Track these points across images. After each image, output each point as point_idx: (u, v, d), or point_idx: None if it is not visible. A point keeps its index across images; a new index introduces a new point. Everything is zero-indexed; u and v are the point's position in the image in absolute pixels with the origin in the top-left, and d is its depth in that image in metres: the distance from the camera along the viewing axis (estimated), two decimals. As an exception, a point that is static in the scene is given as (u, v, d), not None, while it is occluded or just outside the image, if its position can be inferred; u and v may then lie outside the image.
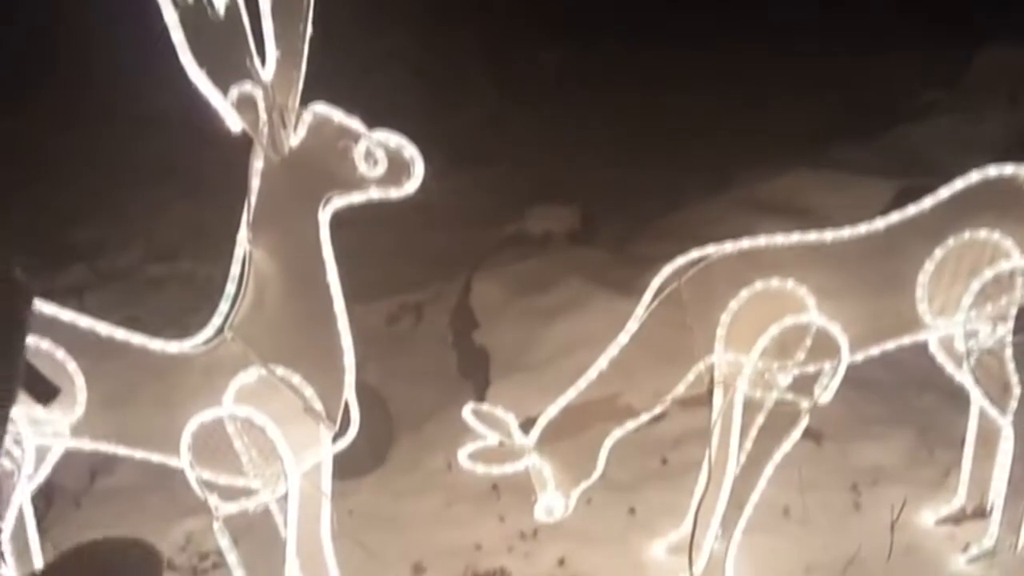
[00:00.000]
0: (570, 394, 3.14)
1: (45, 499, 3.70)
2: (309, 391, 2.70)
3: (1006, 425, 3.20)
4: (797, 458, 3.68)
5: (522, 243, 5.24)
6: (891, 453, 3.87)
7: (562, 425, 3.16)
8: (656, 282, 3.08)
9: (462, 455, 3.12)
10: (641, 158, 5.87)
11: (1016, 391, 3.21)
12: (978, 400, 3.24)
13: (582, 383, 3.14)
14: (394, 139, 2.50)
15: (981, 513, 3.42)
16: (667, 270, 3.07)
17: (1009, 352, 3.20)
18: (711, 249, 3.05)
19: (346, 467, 4.11)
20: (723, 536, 3.24)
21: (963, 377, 3.18)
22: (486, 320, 4.63)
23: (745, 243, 3.04)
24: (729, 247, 3.04)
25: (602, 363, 3.13)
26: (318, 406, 2.70)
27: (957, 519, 3.48)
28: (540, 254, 5.03)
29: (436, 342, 4.85)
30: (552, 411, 3.14)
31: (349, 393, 2.74)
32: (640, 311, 3.09)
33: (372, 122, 2.53)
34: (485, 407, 3.21)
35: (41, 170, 6.66)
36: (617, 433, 3.17)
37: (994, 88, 5.97)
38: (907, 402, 4.11)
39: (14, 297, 2.16)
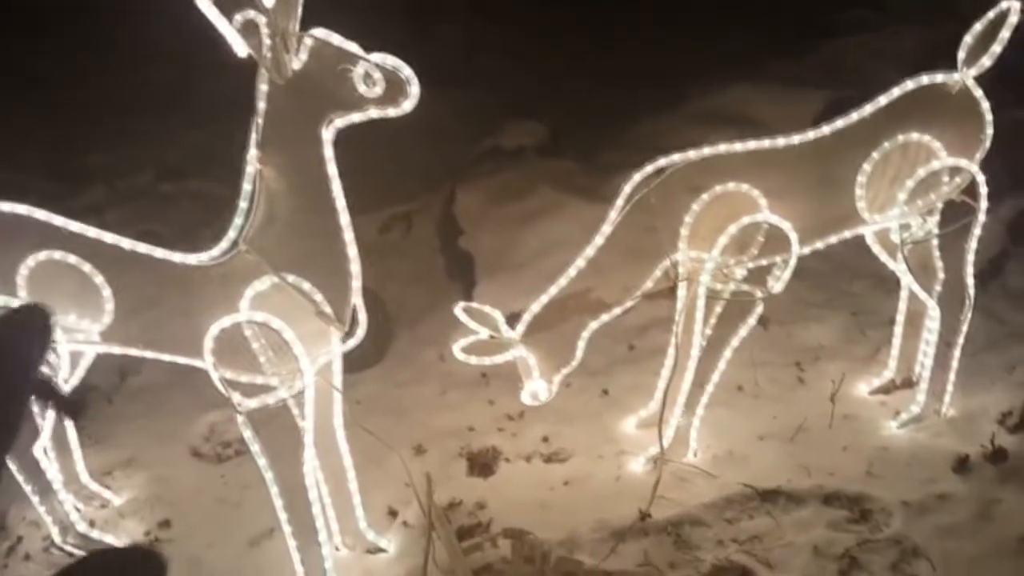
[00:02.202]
0: (551, 291, 3.08)
1: (80, 398, 3.60)
2: (319, 296, 2.60)
3: (933, 306, 3.19)
4: (748, 340, 3.68)
5: (498, 156, 5.10)
6: (829, 333, 3.88)
7: (544, 319, 3.10)
8: (627, 188, 2.99)
9: (456, 348, 3.07)
10: (603, 77, 5.72)
11: (940, 276, 3.20)
12: (909, 285, 3.21)
13: (562, 281, 3.08)
14: (391, 60, 2.37)
15: (908, 384, 3.45)
16: (636, 177, 2.98)
17: (936, 242, 3.17)
18: (676, 157, 2.96)
19: (352, 362, 4.05)
20: (687, 411, 3.23)
21: (896, 266, 3.16)
22: (469, 227, 4.53)
23: (706, 150, 2.95)
24: (692, 154, 2.95)
25: (580, 262, 3.06)
26: (328, 310, 2.60)
27: (887, 390, 3.50)
28: (515, 166, 4.92)
29: (425, 248, 4.75)
30: (535, 307, 3.08)
31: (356, 298, 2.64)
32: (614, 215, 3.01)
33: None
34: (474, 305, 3.14)
35: (59, 102, 6.40)
36: (593, 325, 3.13)
37: (911, 4, 5.82)
38: (841, 288, 4.10)
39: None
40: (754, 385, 3.59)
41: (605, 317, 3.13)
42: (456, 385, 3.78)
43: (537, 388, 3.15)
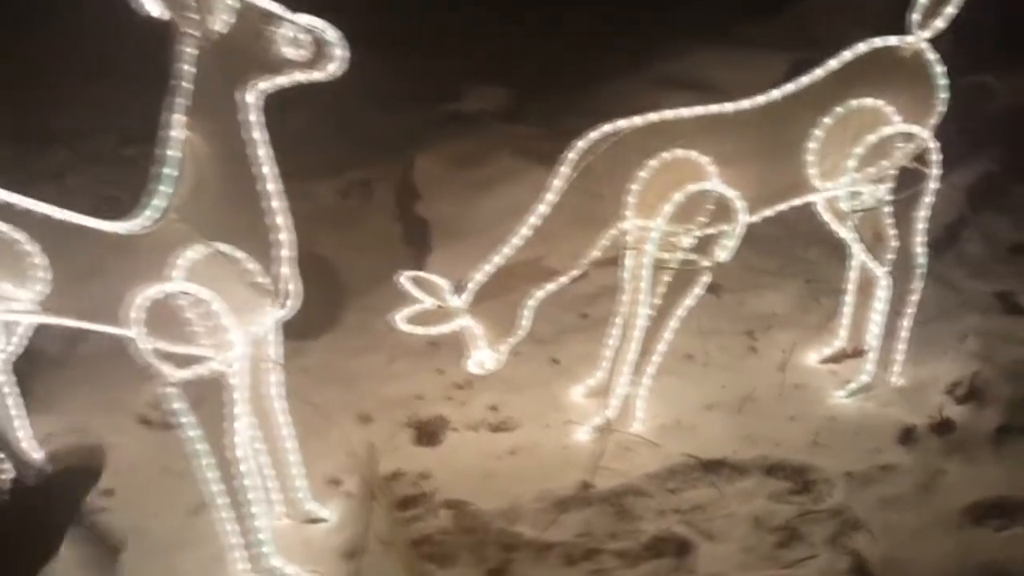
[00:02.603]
0: (495, 260, 2.96)
1: (30, 363, 3.47)
2: (254, 265, 2.47)
3: (883, 276, 3.08)
4: (699, 308, 3.58)
5: (459, 122, 4.97)
6: (782, 302, 3.77)
7: (491, 288, 2.99)
8: (572, 156, 2.87)
9: (399, 318, 2.95)
10: (567, 41, 5.56)
11: (892, 244, 3.09)
12: (859, 254, 3.10)
13: (506, 250, 2.96)
14: (316, 23, 2.22)
15: (859, 353, 3.34)
16: (581, 144, 2.86)
17: (888, 210, 3.06)
18: (622, 123, 2.83)
19: (301, 329, 3.92)
20: (634, 381, 3.13)
21: (846, 234, 3.04)
22: (428, 193, 4.40)
23: (653, 116, 2.82)
24: (638, 120, 2.82)
25: (524, 231, 2.94)
26: (262, 280, 2.48)
27: (838, 359, 3.40)
28: (475, 132, 4.78)
29: (384, 215, 4.61)
30: (480, 276, 2.96)
31: (288, 268, 2.51)
32: (558, 183, 2.88)
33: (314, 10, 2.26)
34: (421, 274, 3.02)
35: (20, 65, 6.19)
36: (539, 294, 3.01)
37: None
38: (795, 255, 3.99)
39: None
40: (704, 354, 3.48)
41: (551, 286, 3.02)
42: (406, 354, 3.65)
43: (483, 357, 3.05)
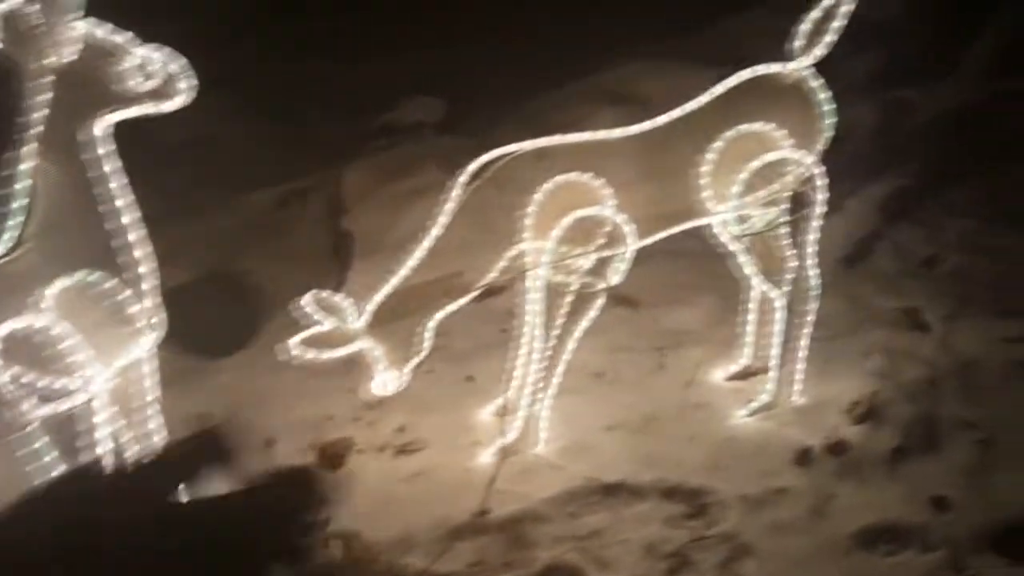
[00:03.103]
0: (392, 281, 2.84)
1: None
2: (122, 295, 2.36)
3: (779, 297, 2.98)
4: (614, 324, 3.47)
5: (393, 133, 4.84)
6: (695, 317, 3.64)
7: (392, 308, 2.87)
8: (462, 179, 2.76)
9: (292, 343, 2.83)
10: (504, 53, 5.40)
11: (789, 266, 2.98)
12: (751, 277, 2.99)
13: (403, 271, 2.85)
14: (161, 54, 2.11)
15: (764, 370, 3.21)
16: (471, 167, 2.75)
17: (784, 231, 2.95)
18: (512, 147, 2.72)
19: (214, 346, 3.83)
20: (537, 400, 3.03)
21: (739, 257, 2.93)
22: (355, 205, 4.29)
23: (541, 141, 2.71)
24: (528, 145, 2.72)
25: (418, 254, 2.83)
26: (130, 309, 2.37)
27: (743, 376, 3.28)
28: (407, 143, 4.65)
29: (315, 226, 4.48)
30: (377, 297, 2.84)
31: (153, 298, 2.40)
32: (450, 206, 2.78)
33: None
34: (325, 293, 2.90)
35: None
36: (439, 315, 2.89)
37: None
38: (714, 270, 3.83)
39: None
40: (613, 371, 3.37)
41: (450, 307, 2.90)
42: (319, 372, 3.50)
43: (386, 380, 2.93)
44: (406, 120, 4.93)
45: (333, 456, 3.17)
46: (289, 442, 3.22)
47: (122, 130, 2.34)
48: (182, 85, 2.12)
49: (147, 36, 2.17)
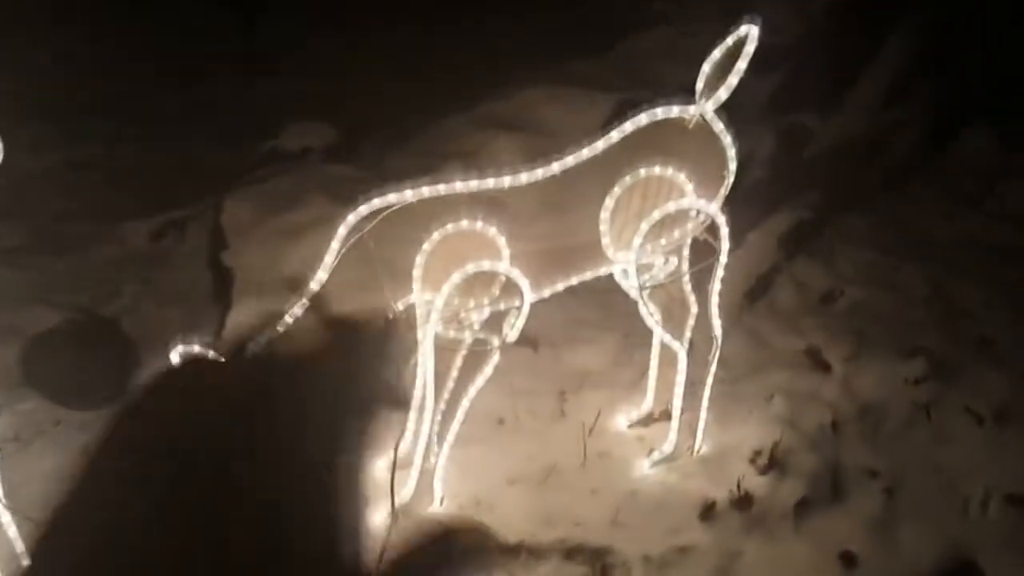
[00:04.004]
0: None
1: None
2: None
3: (680, 350, 2.84)
4: (514, 365, 3.28)
5: (279, 159, 4.52)
6: (597, 357, 3.49)
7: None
8: (342, 230, 2.53)
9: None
10: (395, 78, 5.17)
11: (693, 311, 2.84)
12: (652, 329, 2.83)
13: (279, 328, 2.61)
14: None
15: (667, 416, 3.07)
16: (351, 218, 2.52)
17: (686, 278, 2.81)
18: (392, 196, 2.50)
19: (84, 398, 3.49)
20: (432, 457, 2.82)
21: (640, 308, 2.77)
22: (237, 239, 3.95)
23: (425, 190, 2.49)
24: (410, 194, 2.49)
25: (296, 309, 2.60)
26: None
27: (646, 422, 3.14)
28: (293, 171, 4.33)
29: (194, 260, 4.15)
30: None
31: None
32: (329, 259, 2.54)
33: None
34: (195, 347, 2.63)
35: None
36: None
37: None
38: (617, 307, 3.68)
39: None
40: (515, 418, 3.19)
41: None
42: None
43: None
44: (292, 147, 4.62)
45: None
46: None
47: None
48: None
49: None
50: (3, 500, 2.35)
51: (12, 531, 2.45)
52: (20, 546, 2.44)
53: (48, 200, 4.53)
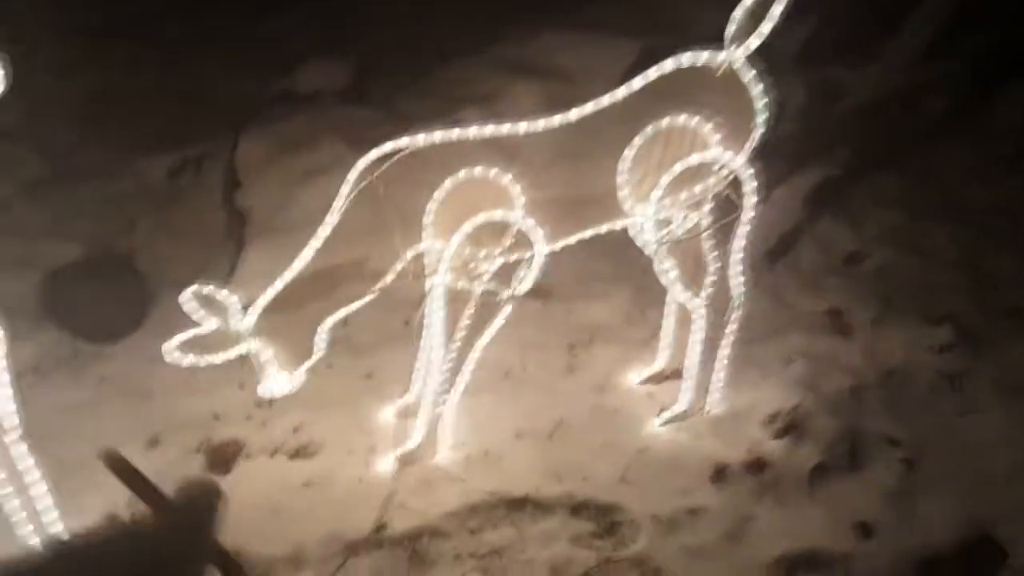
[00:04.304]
0: (286, 276, 2.51)
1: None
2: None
3: (698, 307, 2.73)
4: (524, 317, 3.19)
5: (291, 99, 4.40)
6: (609, 312, 3.38)
7: (280, 306, 2.55)
8: (352, 175, 2.43)
9: (167, 347, 2.49)
10: (414, 17, 4.99)
11: (712, 269, 2.73)
12: (669, 287, 2.73)
13: (288, 274, 2.52)
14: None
15: (679, 375, 2.99)
16: (361, 164, 2.42)
17: (706, 235, 2.69)
18: (404, 140, 2.39)
19: (99, 332, 3.46)
20: (441, 407, 2.76)
21: (656, 265, 2.66)
22: (249, 179, 3.89)
23: (437, 135, 2.39)
24: (422, 138, 2.39)
25: (307, 253, 2.50)
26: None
27: (657, 380, 3.06)
28: (307, 111, 4.23)
29: (208, 199, 4.09)
30: (262, 299, 2.51)
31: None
32: (339, 204, 2.45)
33: None
34: (208, 288, 2.54)
35: None
36: (330, 320, 2.58)
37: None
38: (630, 260, 3.58)
39: None
40: (522, 370, 3.12)
41: (342, 311, 2.59)
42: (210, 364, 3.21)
43: (275, 383, 2.62)
44: (306, 86, 4.50)
45: (221, 461, 2.87)
46: (174, 444, 2.92)
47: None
48: None
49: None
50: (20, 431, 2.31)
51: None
52: (35, 475, 2.41)
53: (66, 129, 4.46)
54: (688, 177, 2.49)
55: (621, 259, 3.60)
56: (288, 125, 4.06)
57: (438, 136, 2.37)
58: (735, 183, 2.53)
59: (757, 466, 2.71)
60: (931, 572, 2.45)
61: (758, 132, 2.48)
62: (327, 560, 2.53)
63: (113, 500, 2.67)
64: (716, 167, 2.50)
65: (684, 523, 2.58)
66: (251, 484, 2.79)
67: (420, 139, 2.37)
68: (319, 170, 3.75)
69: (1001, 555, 2.54)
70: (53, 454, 2.51)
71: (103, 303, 3.51)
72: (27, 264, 3.67)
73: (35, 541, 2.48)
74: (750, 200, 2.53)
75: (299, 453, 2.90)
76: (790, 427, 2.81)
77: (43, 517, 2.45)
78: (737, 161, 2.46)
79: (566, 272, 3.46)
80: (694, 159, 2.44)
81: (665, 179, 2.45)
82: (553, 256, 2.62)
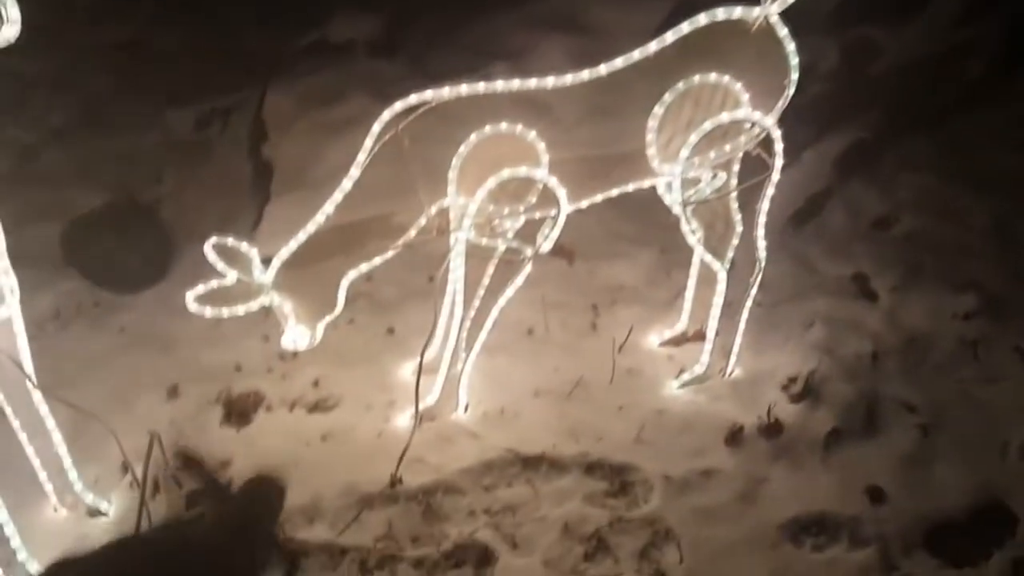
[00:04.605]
0: (300, 236, 2.50)
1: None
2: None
3: (721, 270, 2.69)
4: (547, 276, 3.16)
5: (321, 53, 4.33)
6: (633, 273, 3.36)
7: (302, 259, 2.53)
8: (376, 128, 2.40)
9: (190, 297, 2.49)
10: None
11: (738, 229, 2.68)
12: (695, 247, 2.68)
13: (311, 227, 2.50)
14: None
15: (700, 337, 2.96)
16: (386, 115, 2.38)
17: (734, 195, 2.64)
18: (429, 93, 2.35)
19: (122, 281, 3.47)
20: (460, 363, 2.75)
21: (683, 225, 2.61)
22: (275, 133, 3.86)
23: (464, 89, 2.34)
24: (447, 92, 2.34)
25: (328, 207, 2.48)
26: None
27: (678, 342, 3.03)
28: (336, 65, 4.17)
29: (235, 151, 4.07)
30: (284, 252, 2.50)
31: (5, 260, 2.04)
32: (362, 157, 2.42)
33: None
34: (229, 240, 2.53)
35: None
36: (352, 274, 2.56)
37: None
38: (655, 220, 3.53)
39: None
40: (544, 330, 3.10)
41: (364, 266, 2.57)
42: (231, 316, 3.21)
43: (296, 336, 2.62)
44: (336, 39, 4.43)
45: (240, 412, 2.88)
46: (194, 394, 2.93)
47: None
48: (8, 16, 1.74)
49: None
50: (34, 380, 2.32)
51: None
52: (51, 423, 2.44)
53: (95, 80, 4.44)
54: (717, 136, 2.43)
55: (647, 220, 3.56)
56: (316, 79, 4.02)
57: (464, 89, 2.32)
58: (765, 142, 2.47)
59: (773, 429, 2.68)
60: (941, 537, 2.42)
61: (789, 91, 2.41)
62: (342, 512, 2.54)
63: (129, 449, 2.68)
64: (747, 126, 2.44)
65: (696, 483, 2.56)
66: (270, 436, 2.80)
67: (445, 92, 2.32)
68: (346, 124, 3.71)
69: (1012, 522, 2.51)
70: (72, 402, 2.53)
71: (126, 253, 3.51)
72: (52, 212, 3.68)
73: (52, 490, 2.52)
74: (778, 161, 2.47)
75: (318, 406, 2.91)
76: (807, 391, 2.77)
77: (63, 464, 2.49)
78: (768, 121, 2.39)
79: (590, 232, 3.43)
80: (725, 117, 2.37)
81: (695, 137, 2.39)
82: (578, 215, 2.58)
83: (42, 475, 2.49)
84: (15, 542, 2.28)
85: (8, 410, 2.36)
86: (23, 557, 2.30)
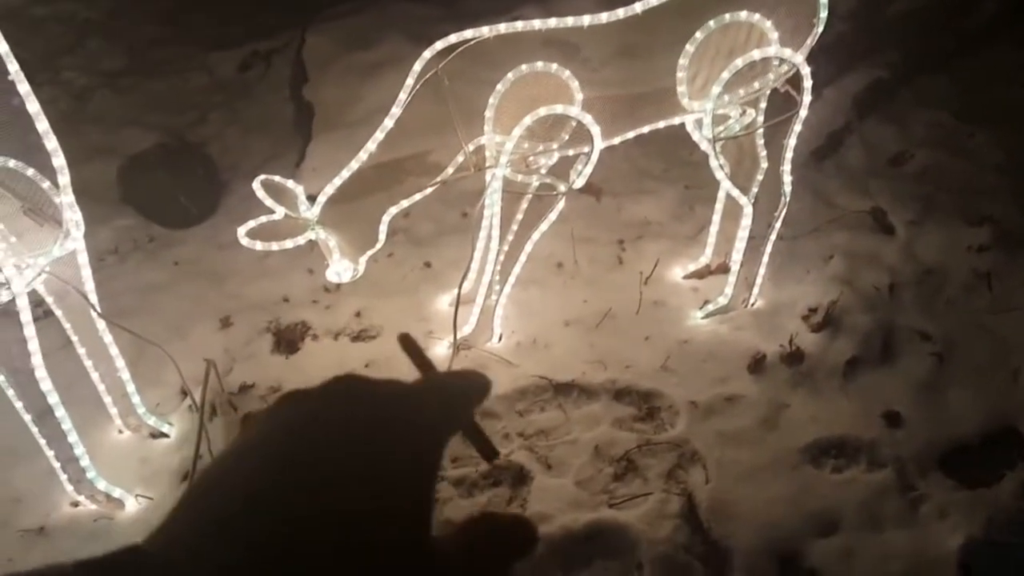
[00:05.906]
0: (352, 166, 2.39)
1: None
2: (39, 191, 1.92)
3: (747, 205, 2.57)
4: (576, 212, 3.06)
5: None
6: (658, 208, 3.22)
7: (345, 196, 2.44)
8: (417, 67, 2.27)
9: (241, 232, 2.41)
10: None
11: (763, 165, 2.55)
12: (722, 182, 2.56)
13: (353, 164, 2.39)
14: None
15: (724, 270, 2.86)
16: (427, 54, 2.25)
17: (760, 132, 2.50)
18: (468, 33, 2.21)
19: (175, 218, 3.40)
20: (494, 295, 2.67)
21: (711, 161, 2.49)
22: (315, 74, 3.73)
23: (502, 27, 2.20)
24: (486, 30, 2.20)
25: (371, 146, 2.37)
26: (46, 207, 1.94)
27: (701, 275, 2.92)
28: (373, 7, 4.01)
29: (277, 92, 3.95)
30: (329, 188, 2.40)
31: (67, 196, 1.96)
32: (403, 96, 2.29)
33: None
34: (276, 178, 2.44)
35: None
36: (392, 210, 2.47)
37: None
38: (681, 157, 3.41)
39: None
40: (573, 264, 3.00)
41: (405, 203, 2.48)
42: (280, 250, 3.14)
43: (340, 269, 2.54)
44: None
45: (289, 341, 2.83)
46: (245, 324, 2.88)
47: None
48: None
49: None
50: (98, 309, 2.27)
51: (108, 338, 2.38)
52: (115, 350, 2.39)
53: (145, 26, 4.31)
54: (747, 73, 2.29)
55: (672, 158, 3.44)
56: (355, 20, 3.87)
57: (502, 27, 2.18)
58: (793, 80, 2.33)
59: (794, 358, 2.59)
60: (955, 460, 2.33)
61: (818, 28, 2.26)
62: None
63: (187, 375, 2.63)
64: (776, 63, 2.29)
65: (720, 409, 2.48)
66: (316, 362, 2.75)
67: (485, 31, 2.19)
68: (384, 65, 3.58)
69: (1022, 445, 2.42)
70: (133, 331, 2.47)
71: (177, 190, 3.44)
72: (107, 152, 3.60)
73: (116, 413, 2.49)
74: (806, 97, 2.33)
75: (361, 336, 2.85)
76: (827, 322, 2.66)
77: (126, 389, 2.45)
78: (797, 58, 2.25)
79: (617, 170, 3.31)
80: (756, 55, 2.23)
81: (726, 75, 2.25)
82: (606, 153, 2.45)
83: (107, 399, 2.47)
84: (84, 461, 2.25)
85: (75, 338, 2.33)
86: (92, 475, 2.28)
